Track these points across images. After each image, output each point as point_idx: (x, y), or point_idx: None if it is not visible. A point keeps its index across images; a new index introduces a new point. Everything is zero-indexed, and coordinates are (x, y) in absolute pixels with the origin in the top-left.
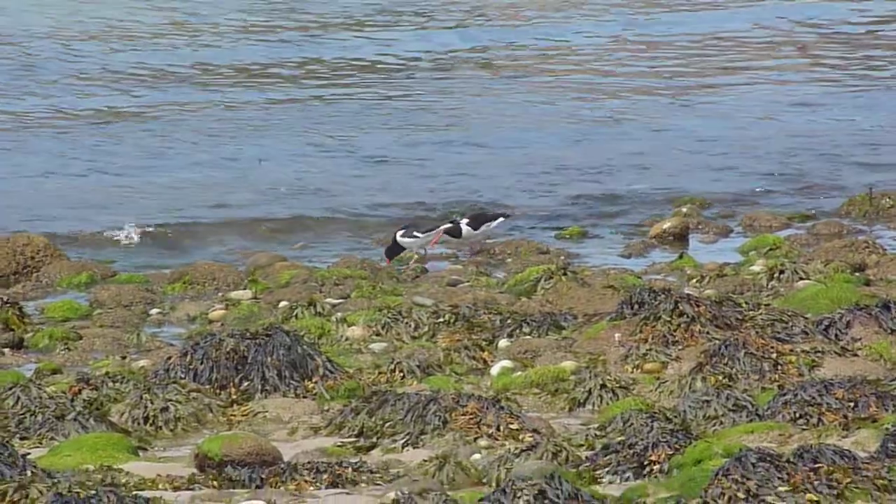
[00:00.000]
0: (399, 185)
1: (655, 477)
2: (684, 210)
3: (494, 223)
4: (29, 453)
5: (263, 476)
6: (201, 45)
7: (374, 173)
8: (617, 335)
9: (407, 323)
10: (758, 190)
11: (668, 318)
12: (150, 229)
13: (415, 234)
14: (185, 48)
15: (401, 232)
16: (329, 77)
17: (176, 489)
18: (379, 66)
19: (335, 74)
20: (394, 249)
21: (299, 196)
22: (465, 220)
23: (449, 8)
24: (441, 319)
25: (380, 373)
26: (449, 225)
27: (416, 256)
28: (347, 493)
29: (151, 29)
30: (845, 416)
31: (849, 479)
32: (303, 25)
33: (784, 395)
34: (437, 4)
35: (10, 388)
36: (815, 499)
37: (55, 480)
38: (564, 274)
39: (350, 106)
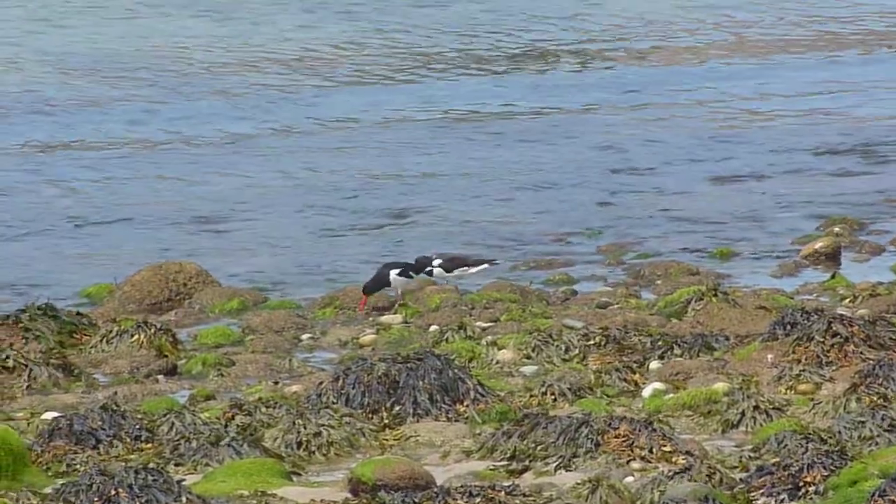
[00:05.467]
0: None
1: (811, 498)
2: (836, 230)
3: (474, 269)
4: (184, 479)
5: (416, 500)
6: None
7: None
8: (769, 356)
9: (557, 346)
10: None
11: (822, 339)
12: None
13: (410, 273)
14: None
15: (396, 271)
16: None
17: None
18: None
19: None
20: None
21: None
22: (437, 261)
23: None
24: (591, 342)
25: (531, 396)
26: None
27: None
28: None
29: None
30: None
31: None
32: None
33: None
34: None
35: (165, 415)
36: None
37: None
38: (715, 295)
39: None
